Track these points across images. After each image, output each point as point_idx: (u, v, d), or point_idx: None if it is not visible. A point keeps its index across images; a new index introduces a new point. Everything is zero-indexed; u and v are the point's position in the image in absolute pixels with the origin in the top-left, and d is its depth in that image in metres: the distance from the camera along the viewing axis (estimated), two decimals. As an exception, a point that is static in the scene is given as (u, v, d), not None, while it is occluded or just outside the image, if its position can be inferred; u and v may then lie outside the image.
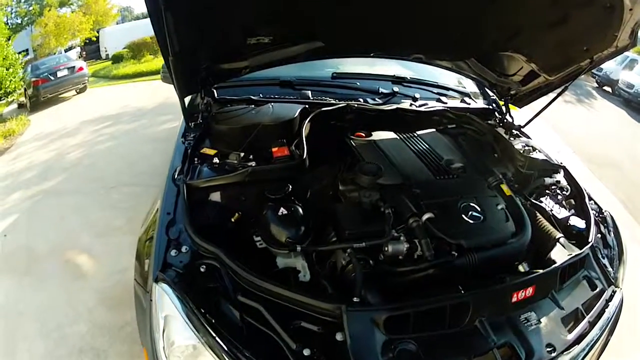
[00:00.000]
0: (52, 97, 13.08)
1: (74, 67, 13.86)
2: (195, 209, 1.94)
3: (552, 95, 2.88)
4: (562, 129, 8.06)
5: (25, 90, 13.41)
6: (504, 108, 3.20)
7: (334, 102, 2.88)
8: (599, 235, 2.34)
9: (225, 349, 1.43)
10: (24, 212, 5.29)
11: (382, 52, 2.89)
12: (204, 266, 1.68)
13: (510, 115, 3.17)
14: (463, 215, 2.01)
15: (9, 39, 13.06)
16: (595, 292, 1.96)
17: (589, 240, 2.11)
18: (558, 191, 2.51)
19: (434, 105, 3.11)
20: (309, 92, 2.99)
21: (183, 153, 2.34)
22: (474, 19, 2.40)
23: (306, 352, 1.43)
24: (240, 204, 2.06)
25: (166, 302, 1.56)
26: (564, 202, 2.46)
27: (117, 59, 21.31)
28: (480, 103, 3.46)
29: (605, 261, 2.20)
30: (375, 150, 2.47)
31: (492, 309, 1.66)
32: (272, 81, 3.08)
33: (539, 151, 2.77)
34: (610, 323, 1.94)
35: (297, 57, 2.60)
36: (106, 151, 7.39)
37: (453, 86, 3.58)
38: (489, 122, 3.10)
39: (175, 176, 2.15)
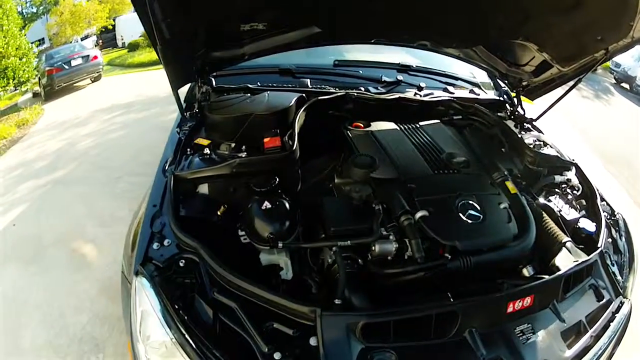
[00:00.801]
0: (66, 86, 13.27)
1: (88, 55, 14.00)
2: (181, 201, 1.92)
3: (566, 88, 2.75)
4: (578, 124, 7.88)
5: (39, 79, 13.62)
6: (515, 100, 3.08)
7: (333, 90, 2.80)
8: (610, 240, 2.22)
9: (194, 347, 1.41)
10: (34, 202, 5.40)
11: (384, 38, 2.77)
12: (183, 261, 1.66)
13: (522, 108, 3.05)
14: (460, 214, 1.90)
15: (22, 29, 13.18)
16: (601, 303, 1.84)
17: (599, 245, 1.98)
18: (568, 190, 2.39)
19: (439, 95, 3.00)
20: (308, 81, 2.92)
21: (176, 144, 2.32)
22: (480, 3, 2.31)
23: (277, 355, 1.39)
24: (228, 196, 2.02)
25: (144, 296, 1.56)
26: (574, 202, 2.35)
27: (133, 47, 21.40)
28: (491, 94, 3.32)
29: (615, 268, 2.07)
30: (372, 141, 2.40)
31: (484, 320, 1.58)
32: (272, 69, 3.02)
33: (550, 146, 2.64)
34: (616, 337, 1.83)
35: (295, 44, 2.55)
36: (116, 140, 7.48)
37: (462, 76, 3.44)
38: (499, 114, 2.98)
39: (166, 167, 2.13)
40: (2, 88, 10.62)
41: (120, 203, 4.89)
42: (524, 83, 2.97)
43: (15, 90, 13.29)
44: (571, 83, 2.75)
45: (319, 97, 2.61)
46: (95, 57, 14.29)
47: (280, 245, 1.73)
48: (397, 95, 2.83)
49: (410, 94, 2.96)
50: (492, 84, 3.43)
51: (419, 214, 1.81)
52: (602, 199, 2.44)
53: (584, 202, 2.37)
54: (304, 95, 2.62)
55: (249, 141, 2.27)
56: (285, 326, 1.46)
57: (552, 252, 1.97)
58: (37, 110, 11.32)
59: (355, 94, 2.74)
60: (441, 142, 2.44)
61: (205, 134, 2.41)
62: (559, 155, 2.55)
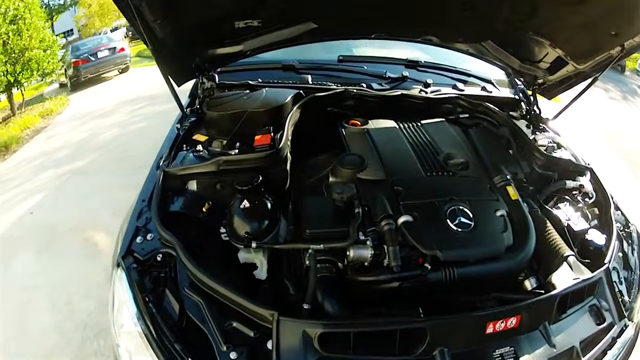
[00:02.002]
0: (92, 78, 13.78)
1: (115, 48, 14.50)
2: (170, 197, 1.97)
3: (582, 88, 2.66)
4: (605, 126, 7.64)
5: (65, 70, 14.22)
6: (531, 98, 2.92)
7: (333, 87, 2.77)
8: (620, 255, 2.07)
9: (156, 338, 1.46)
10: (52, 191, 5.66)
11: (385, 33, 2.73)
12: (161, 255, 1.70)
13: (538, 107, 2.89)
14: (448, 221, 1.79)
15: (50, 20, 13.67)
16: (601, 326, 1.69)
17: (605, 262, 1.81)
18: (580, 197, 2.24)
19: (446, 92, 2.91)
20: (309, 77, 2.90)
21: (173, 139, 2.35)
22: None
23: (233, 355, 1.41)
24: (215, 193, 2.03)
25: (120, 287, 1.62)
26: (585, 210, 2.19)
27: (163, 39, 21.75)
28: (506, 92, 3.19)
29: (623, 287, 1.94)
30: (366, 140, 2.34)
31: (458, 340, 1.48)
32: (275, 65, 3.01)
33: (565, 149, 2.52)
34: None
35: (293, 40, 2.56)
36: (138, 132, 7.65)
37: (475, 72, 3.30)
38: (511, 113, 2.88)
39: (161, 163, 2.16)
40: (25, 79, 11.02)
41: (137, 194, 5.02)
42: (540, 81, 2.87)
43: (42, 80, 13.74)
44: (589, 81, 2.65)
45: (315, 94, 2.58)
46: (122, 49, 14.76)
47: (253, 245, 1.72)
48: (398, 92, 2.76)
49: (415, 90, 2.89)
50: (508, 82, 3.30)
51: (401, 219, 1.74)
52: (617, 208, 2.32)
53: (596, 210, 2.23)
54: (301, 92, 2.61)
55: (244, 138, 2.26)
56: (248, 327, 1.47)
57: (552, 267, 1.84)
58: (63, 100, 11.82)
59: (355, 91, 2.68)
60: (442, 142, 2.35)
61: (205, 131, 2.44)
62: (574, 159, 2.43)
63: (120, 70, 14.87)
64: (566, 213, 2.12)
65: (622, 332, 1.74)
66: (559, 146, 2.52)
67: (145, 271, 1.66)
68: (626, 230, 2.25)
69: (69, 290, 3.53)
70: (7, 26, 10.17)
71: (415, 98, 2.80)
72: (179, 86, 2.52)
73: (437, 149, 2.27)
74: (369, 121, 2.53)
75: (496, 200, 1.95)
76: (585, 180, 2.27)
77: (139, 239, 1.78)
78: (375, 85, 2.90)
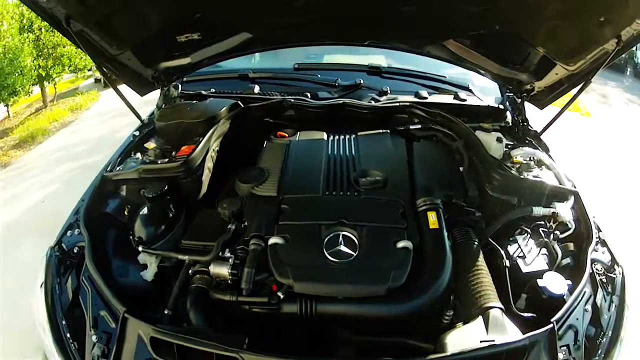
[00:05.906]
0: (126, 75, 14.27)
1: (150, 47, 14.93)
2: (105, 199, 2.17)
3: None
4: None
5: (100, 66, 14.78)
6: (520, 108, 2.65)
7: (277, 97, 2.78)
8: (588, 309, 1.60)
9: (51, 315, 1.70)
10: (65, 182, 6.18)
11: (327, 39, 2.67)
12: (77, 248, 1.89)
13: (525, 118, 2.63)
14: (324, 249, 1.65)
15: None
16: None
17: (552, 320, 1.44)
18: (550, 229, 1.87)
19: (402, 101, 2.72)
20: (256, 86, 2.94)
21: (125, 146, 2.51)
22: None
23: (94, 338, 1.54)
24: (139, 199, 2.13)
25: (42, 273, 1.90)
26: (555, 247, 1.80)
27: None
28: (490, 100, 2.90)
29: (579, 352, 1.49)
30: (280, 153, 2.32)
31: None
32: (233, 74, 3.10)
33: (547, 167, 2.14)
34: None
35: (239, 50, 2.62)
36: (151, 131, 8.08)
37: (452, 79, 3.08)
38: (482, 124, 2.64)
39: (108, 168, 2.30)
40: (57, 74, 11.78)
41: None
42: (527, 87, 2.53)
43: (76, 75, 14.41)
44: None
45: (249, 105, 2.64)
46: (157, 48, 15.23)
47: (140, 248, 1.87)
48: (341, 102, 2.70)
49: (367, 99, 2.80)
50: (498, 90, 2.96)
51: (270, 241, 1.70)
52: (604, 244, 1.89)
53: (571, 246, 1.87)
54: (238, 102, 2.66)
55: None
56: (112, 318, 1.57)
57: (467, 319, 1.55)
58: (93, 96, 12.56)
59: (292, 101, 2.68)
60: (368, 157, 2.23)
61: (156, 139, 2.57)
62: (557, 180, 2.06)
63: (154, 69, 15.37)
64: (522, 248, 1.81)
65: None
66: (540, 164, 2.16)
67: (63, 260, 1.89)
68: (608, 274, 1.78)
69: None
70: (40, 22, 10.88)
71: (360, 107, 2.69)
72: (141, 96, 2.71)
73: (356, 165, 2.15)
74: (298, 133, 2.53)
75: (403, 229, 1.75)
76: (562, 208, 1.93)
77: (69, 233, 2.00)
78: (325, 94, 2.85)
